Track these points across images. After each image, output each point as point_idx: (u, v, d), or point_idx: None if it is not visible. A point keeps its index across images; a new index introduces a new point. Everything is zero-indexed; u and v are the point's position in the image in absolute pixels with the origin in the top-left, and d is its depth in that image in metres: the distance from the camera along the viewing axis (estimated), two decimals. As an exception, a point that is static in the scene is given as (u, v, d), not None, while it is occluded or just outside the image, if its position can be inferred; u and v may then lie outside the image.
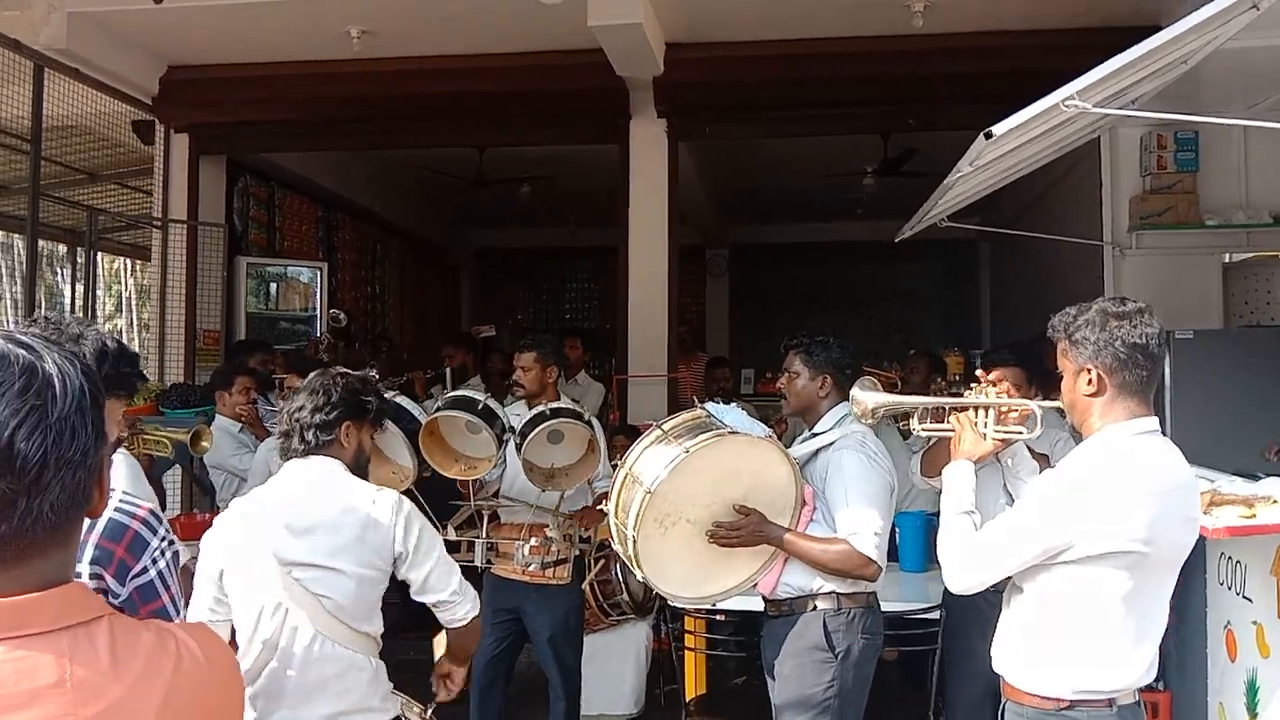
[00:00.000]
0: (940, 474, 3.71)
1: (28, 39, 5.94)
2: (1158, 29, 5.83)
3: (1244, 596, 3.17)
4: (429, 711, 2.55)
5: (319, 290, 8.05)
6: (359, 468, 2.66)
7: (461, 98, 6.84)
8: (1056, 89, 2.90)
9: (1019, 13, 5.90)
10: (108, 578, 1.94)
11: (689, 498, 2.96)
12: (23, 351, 0.95)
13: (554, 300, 14.14)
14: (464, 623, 2.62)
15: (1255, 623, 3.13)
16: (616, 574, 4.84)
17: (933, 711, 3.78)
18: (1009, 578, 2.44)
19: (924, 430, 2.93)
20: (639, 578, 3.05)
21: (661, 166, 6.89)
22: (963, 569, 2.43)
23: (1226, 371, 4.58)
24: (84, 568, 1.90)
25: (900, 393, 5.60)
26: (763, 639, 3.30)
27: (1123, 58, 2.65)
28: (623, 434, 5.49)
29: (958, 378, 7.48)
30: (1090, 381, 2.24)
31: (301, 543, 2.47)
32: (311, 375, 2.70)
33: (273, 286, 7.96)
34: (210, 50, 6.78)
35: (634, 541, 2.89)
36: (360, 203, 10.03)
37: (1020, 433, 2.74)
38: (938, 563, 4.42)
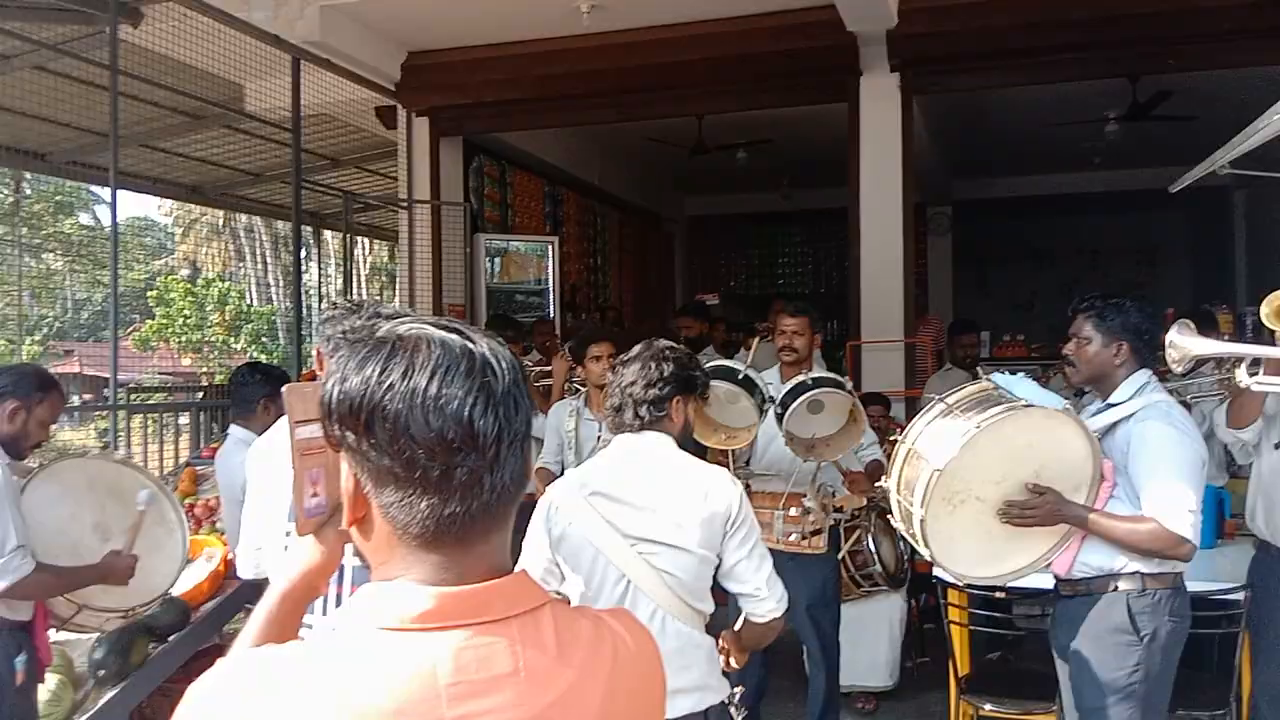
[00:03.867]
0: (1249, 423, 3.40)
1: (285, 34, 6.34)
2: None
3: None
4: (736, 696, 2.53)
5: (551, 264, 8.27)
6: (685, 439, 2.68)
7: (688, 66, 6.81)
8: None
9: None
10: None
11: (979, 475, 2.82)
12: (455, 336, 0.98)
13: (766, 266, 14.00)
14: (764, 619, 2.55)
15: None
16: (869, 545, 4.74)
17: (1234, 696, 3.52)
18: None
19: (1258, 385, 2.62)
20: (926, 557, 2.95)
21: (894, 122, 6.65)
22: None
23: None
24: None
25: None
26: (1053, 619, 3.15)
27: None
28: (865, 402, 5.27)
29: (1226, 337, 6.92)
30: None
31: (646, 519, 2.48)
32: (637, 347, 2.70)
33: (496, 260, 8.23)
34: (446, 35, 7.04)
35: (921, 521, 2.80)
36: (581, 176, 10.24)
37: None
38: (1227, 536, 4.16)
